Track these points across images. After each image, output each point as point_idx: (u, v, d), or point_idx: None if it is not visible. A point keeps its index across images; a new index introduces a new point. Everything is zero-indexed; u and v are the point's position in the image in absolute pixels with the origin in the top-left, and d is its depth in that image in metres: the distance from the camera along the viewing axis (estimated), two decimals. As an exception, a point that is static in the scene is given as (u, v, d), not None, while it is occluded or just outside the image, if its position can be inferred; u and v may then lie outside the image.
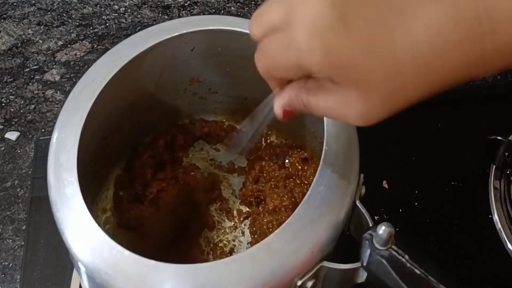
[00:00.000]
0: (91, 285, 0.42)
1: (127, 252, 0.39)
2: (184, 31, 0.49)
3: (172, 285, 0.37)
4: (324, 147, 0.42)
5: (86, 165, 0.47)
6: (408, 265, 0.39)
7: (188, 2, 0.82)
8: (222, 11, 0.80)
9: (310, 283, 0.40)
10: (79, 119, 0.45)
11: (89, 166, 0.48)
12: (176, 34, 0.49)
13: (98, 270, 0.39)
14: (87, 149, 0.46)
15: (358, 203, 0.43)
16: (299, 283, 0.39)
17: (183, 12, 0.81)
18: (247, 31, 0.48)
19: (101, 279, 0.39)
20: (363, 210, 0.43)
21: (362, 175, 0.44)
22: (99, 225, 0.40)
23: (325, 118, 0.44)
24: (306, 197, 0.40)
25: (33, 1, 0.83)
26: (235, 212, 0.57)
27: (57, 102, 0.73)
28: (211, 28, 0.50)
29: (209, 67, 0.54)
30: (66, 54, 0.77)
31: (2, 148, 0.70)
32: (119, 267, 0.38)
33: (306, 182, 0.53)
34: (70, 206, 0.41)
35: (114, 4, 0.82)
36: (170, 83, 0.55)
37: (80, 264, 0.40)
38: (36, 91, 0.74)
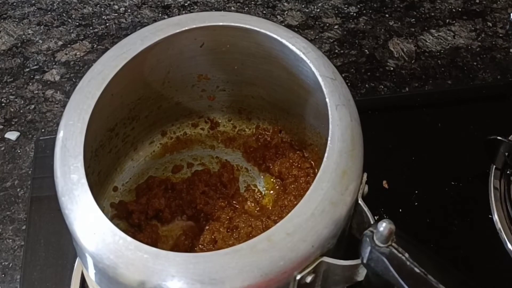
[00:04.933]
0: (94, 271, 0.42)
1: (129, 239, 0.39)
2: (194, 26, 0.49)
3: (172, 273, 0.38)
4: (329, 144, 0.42)
5: (93, 155, 0.47)
6: (408, 263, 0.39)
7: (188, 2, 0.82)
8: (222, 11, 0.80)
9: (309, 278, 0.40)
10: (87, 107, 0.45)
11: (96, 157, 0.49)
12: (185, 28, 0.49)
13: (100, 255, 0.39)
14: (94, 139, 0.46)
15: (360, 201, 0.43)
16: (298, 276, 0.39)
17: (183, 12, 0.81)
18: (256, 29, 0.48)
19: (103, 263, 0.39)
20: (366, 209, 0.43)
21: (365, 174, 0.44)
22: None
23: (330, 116, 0.44)
24: (308, 192, 0.40)
25: (33, 1, 0.83)
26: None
27: (57, 102, 0.73)
28: (220, 24, 0.49)
29: (217, 64, 0.54)
30: (66, 54, 0.77)
31: (2, 148, 0.70)
32: (121, 253, 0.38)
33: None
34: (75, 191, 0.41)
35: (114, 4, 0.82)
36: (179, 79, 0.54)
37: (83, 249, 0.40)
38: (36, 91, 0.74)
